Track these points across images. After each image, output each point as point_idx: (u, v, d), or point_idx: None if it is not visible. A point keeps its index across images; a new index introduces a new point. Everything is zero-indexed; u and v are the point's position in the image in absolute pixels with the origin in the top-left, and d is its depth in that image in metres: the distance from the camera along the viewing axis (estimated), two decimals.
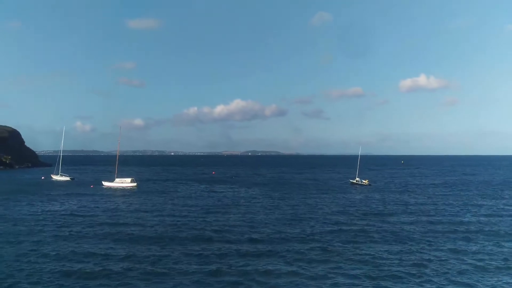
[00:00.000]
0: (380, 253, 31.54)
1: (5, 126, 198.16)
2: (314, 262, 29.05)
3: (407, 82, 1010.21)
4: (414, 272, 26.94)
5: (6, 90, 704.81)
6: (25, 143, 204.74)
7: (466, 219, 47.55)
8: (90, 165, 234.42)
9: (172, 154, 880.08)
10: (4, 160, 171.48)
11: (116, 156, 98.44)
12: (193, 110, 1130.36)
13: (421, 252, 31.87)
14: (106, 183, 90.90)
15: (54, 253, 31.04)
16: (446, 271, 27.21)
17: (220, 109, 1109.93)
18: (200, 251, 31.85)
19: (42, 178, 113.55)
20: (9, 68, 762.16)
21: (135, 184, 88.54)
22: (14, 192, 75.05)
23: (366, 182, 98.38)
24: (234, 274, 26.21)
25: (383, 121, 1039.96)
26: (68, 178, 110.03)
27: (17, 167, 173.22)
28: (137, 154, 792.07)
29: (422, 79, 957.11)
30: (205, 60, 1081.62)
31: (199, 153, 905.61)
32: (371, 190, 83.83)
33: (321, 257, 30.22)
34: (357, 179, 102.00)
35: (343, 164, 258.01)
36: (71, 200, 64.46)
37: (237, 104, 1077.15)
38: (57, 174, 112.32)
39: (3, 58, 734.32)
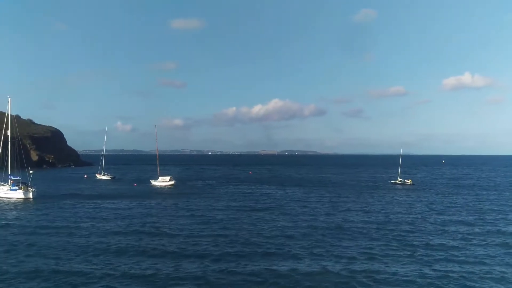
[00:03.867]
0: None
1: (49, 126, 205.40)
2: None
3: (450, 81, 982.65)
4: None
5: (51, 91, 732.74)
6: (67, 143, 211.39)
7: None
8: (130, 164, 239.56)
9: (210, 153, 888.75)
10: (47, 159, 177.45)
11: (154, 155, 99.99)
12: (231, 110, 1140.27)
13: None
14: (152, 182, 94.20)
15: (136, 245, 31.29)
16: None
17: (258, 108, 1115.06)
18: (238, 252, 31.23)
19: (85, 176, 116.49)
20: (54, 69, 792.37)
21: (173, 182, 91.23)
22: (70, 191, 77.08)
23: (409, 181, 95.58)
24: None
25: (425, 121, 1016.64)
26: (109, 177, 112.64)
27: (59, 166, 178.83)
28: (176, 153, 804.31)
29: (466, 78, 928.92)
30: (244, 60, 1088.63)
31: (236, 153, 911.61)
32: (416, 190, 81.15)
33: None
34: (399, 179, 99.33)
35: (383, 164, 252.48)
36: (133, 202, 65.36)
37: (275, 103, 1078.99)
38: (100, 173, 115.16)
39: (48, 59, 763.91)
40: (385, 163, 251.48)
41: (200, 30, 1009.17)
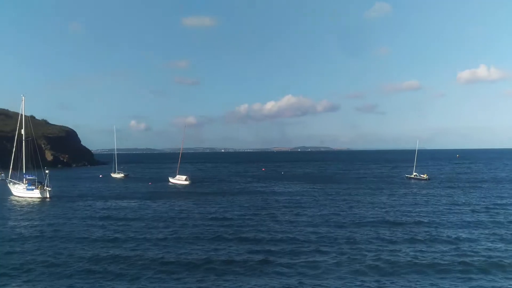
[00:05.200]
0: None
1: (63, 126, 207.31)
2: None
3: (465, 74, 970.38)
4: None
5: (65, 91, 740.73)
6: (81, 142, 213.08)
7: None
8: (143, 163, 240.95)
9: (223, 151, 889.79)
10: (62, 159, 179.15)
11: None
12: (244, 107, 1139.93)
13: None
14: (170, 179, 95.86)
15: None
16: None
17: (270, 105, 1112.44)
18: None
19: (100, 176, 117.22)
20: (68, 69, 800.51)
21: (188, 182, 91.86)
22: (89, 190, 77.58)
23: (425, 176, 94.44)
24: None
25: (440, 115, 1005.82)
26: (122, 175, 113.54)
27: (74, 165, 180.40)
28: (189, 151, 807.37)
29: (482, 70, 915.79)
30: (256, 57, 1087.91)
31: (249, 150, 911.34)
32: (433, 185, 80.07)
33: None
34: (414, 173, 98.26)
35: (397, 159, 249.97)
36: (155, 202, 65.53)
37: (288, 100, 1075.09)
38: (114, 172, 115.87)
39: (63, 59, 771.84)
40: (399, 158, 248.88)
41: (212, 27, 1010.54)
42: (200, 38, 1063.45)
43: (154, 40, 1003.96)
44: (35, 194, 63.78)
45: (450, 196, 61.84)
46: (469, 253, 29.19)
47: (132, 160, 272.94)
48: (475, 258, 27.70)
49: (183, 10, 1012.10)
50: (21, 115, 70.20)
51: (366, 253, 29.18)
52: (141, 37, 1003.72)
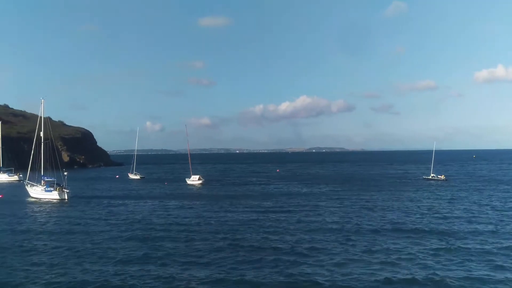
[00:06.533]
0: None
1: (79, 127, 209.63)
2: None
3: (482, 74, 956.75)
4: None
5: (81, 92, 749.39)
6: (97, 143, 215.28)
7: None
8: (159, 164, 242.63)
9: (237, 151, 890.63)
10: (78, 160, 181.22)
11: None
12: (258, 108, 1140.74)
13: None
14: (187, 180, 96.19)
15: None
16: None
17: (285, 106, 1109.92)
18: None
19: (117, 177, 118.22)
20: (84, 70, 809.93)
21: (201, 181, 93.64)
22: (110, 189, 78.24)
23: (442, 177, 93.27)
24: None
25: (456, 115, 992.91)
26: (138, 177, 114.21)
27: (90, 166, 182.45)
28: (204, 152, 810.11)
29: (499, 70, 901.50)
30: (271, 57, 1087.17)
31: (263, 151, 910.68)
32: (451, 186, 78.95)
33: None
34: (432, 174, 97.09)
35: (412, 160, 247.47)
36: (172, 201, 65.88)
37: (303, 100, 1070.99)
38: (132, 173, 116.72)
39: (78, 60, 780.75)
40: (414, 159, 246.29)
41: (227, 27, 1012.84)
42: (215, 39, 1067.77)
43: (170, 40, 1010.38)
44: (54, 195, 64.30)
45: (469, 197, 60.87)
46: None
47: (149, 160, 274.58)
48: None
49: (199, 10, 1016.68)
50: (40, 117, 71.01)
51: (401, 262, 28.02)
52: (157, 37, 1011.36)
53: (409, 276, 24.16)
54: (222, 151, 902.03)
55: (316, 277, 24.32)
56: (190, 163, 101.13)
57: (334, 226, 39.33)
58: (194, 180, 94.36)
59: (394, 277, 24.08)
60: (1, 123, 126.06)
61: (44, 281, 24.00)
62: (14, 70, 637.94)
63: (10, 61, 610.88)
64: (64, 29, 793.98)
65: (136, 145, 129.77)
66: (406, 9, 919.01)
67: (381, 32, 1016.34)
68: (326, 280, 23.79)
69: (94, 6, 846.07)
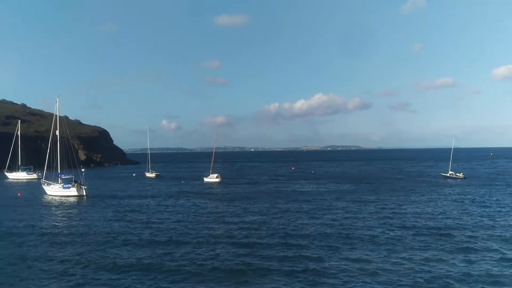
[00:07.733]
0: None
1: (95, 126, 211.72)
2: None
3: (501, 70, 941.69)
4: None
5: (98, 91, 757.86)
6: (114, 142, 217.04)
7: None
8: (175, 162, 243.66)
9: (252, 150, 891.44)
10: (95, 158, 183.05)
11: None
12: (274, 106, 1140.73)
13: None
14: (205, 179, 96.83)
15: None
16: None
17: (300, 104, 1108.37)
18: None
19: (134, 175, 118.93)
20: (101, 69, 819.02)
21: (219, 179, 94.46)
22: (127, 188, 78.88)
23: (461, 175, 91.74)
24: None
25: (474, 112, 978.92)
26: (153, 175, 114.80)
27: (106, 165, 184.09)
28: (219, 150, 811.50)
29: None
30: (287, 55, 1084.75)
31: (278, 149, 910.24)
32: (470, 184, 77.59)
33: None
34: (450, 172, 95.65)
35: (429, 157, 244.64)
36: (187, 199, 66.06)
37: (318, 98, 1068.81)
38: (148, 171, 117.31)
39: (96, 60, 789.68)
40: (431, 157, 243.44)
41: (243, 26, 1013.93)
42: (231, 38, 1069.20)
43: (187, 40, 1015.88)
44: (72, 192, 64.71)
45: (490, 196, 59.73)
46: None
47: (164, 159, 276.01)
48: None
49: (215, 9, 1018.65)
50: (56, 115, 71.64)
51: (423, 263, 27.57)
52: (174, 37, 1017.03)
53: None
54: (237, 150, 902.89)
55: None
56: (212, 162, 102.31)
57: (366, 232, 36.03)
58: (212, 178, 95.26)
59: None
60: (20, 122, 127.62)
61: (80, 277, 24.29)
62: (33, 70, 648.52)
63: (29, 61, 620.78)
64: (82, 29, 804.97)
65: (148, 143, 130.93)
66: (423, 5, 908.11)
67: (398, 29, 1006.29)
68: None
69: (111, 7, 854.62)
